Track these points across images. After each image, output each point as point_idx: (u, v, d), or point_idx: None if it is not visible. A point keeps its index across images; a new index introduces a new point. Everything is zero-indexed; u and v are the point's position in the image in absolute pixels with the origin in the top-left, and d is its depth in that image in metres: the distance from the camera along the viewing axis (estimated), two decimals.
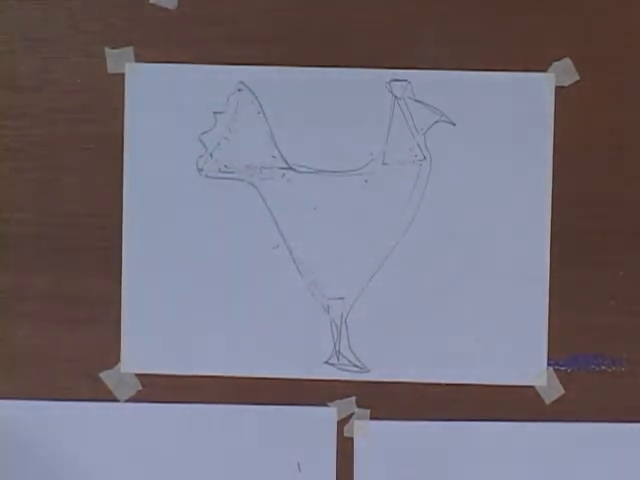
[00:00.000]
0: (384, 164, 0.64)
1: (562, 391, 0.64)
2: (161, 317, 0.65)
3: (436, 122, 0.64)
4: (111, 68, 0.64)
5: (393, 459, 0.65)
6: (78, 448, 0.65)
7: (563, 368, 0.64)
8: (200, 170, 0.65)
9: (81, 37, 0.64)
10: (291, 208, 0.65)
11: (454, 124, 0.64)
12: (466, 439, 0.64)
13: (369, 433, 0.65)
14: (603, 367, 0.64)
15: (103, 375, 0.65)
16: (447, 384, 0.65)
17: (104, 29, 0.64)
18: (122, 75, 0.64)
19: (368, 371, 0.65)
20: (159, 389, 0.65)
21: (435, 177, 0.64)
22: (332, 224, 0.65)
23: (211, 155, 0.65)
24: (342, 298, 0.65)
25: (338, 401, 0.65)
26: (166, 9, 0.64)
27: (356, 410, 0.65)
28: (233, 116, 0.65)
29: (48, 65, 0.65)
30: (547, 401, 0.65)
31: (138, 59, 0.64)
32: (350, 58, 0.64)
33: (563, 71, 0.64)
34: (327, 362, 0.65)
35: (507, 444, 0.64)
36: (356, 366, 0.65)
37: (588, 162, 0.64)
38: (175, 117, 0.65)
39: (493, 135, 0.64)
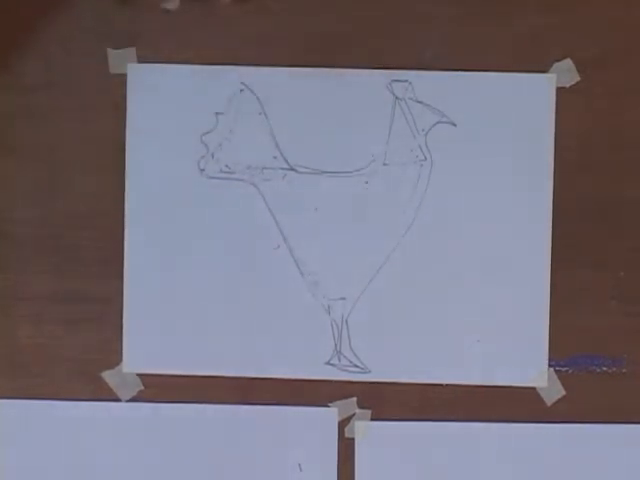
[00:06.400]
0: (385, 165, 0.64)
1: (563, 392, 0.64)
2: (163, 317, 0.65)
3: (437, 123, 0.64)
4: (113, 68, 0.65)
5: (394, 460, 0.65)
6: (80, 448, 0.65)
7: (564, 369, 0.64)
8: (202, 170, 0.65)
9: (83, 37, 0.65)
10: (292, 209, 0.65)
11: (455, 125, 0.64)
12: (467, 440, 0.64)
13: (370, 434, 0.65)
14: (604, 368, 0.64)
15: (105, 375, 0.65)
16: (448, 385, 0.65)
17: (106, 30, 0.65)
18: (124, 75, 0.65)
19: (369, 372, 0.65)
20: (161, 389, 0.65)
21: (436, 178, 0.64)
22: (333, 225, 0.65)
23: (212, 155, 0.65)
24: (343, 298, 0.65)
25: (339, 402, 0.65)
26: (168, 10, 0.65)
27: (357, 411, 0.65)
28: (234, 117, 0.65)
29: (50, 65, 0.65)
30: (548, 402, 0.64)
31: (140, 59, 0.65)
32: (351, 59, 0.64)
33: (564, 72, 0.64)
34: (328, 363, 0.65)
35: (508, 445, 0.64)
36: (357, 367, 0.65)
37: (589, 163, 0.64)
38: (177, 117, 0.65)
39: (494, 136, 0.64)
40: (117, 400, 0.65)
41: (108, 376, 0.65)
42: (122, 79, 0.65)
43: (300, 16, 0.64)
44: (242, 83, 0.65)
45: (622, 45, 0.64)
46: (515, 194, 0.64)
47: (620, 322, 0.64)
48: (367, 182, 0.64)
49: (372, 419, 0.65)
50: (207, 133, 0.65)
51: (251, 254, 0.65)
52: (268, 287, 0.65)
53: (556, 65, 0.64)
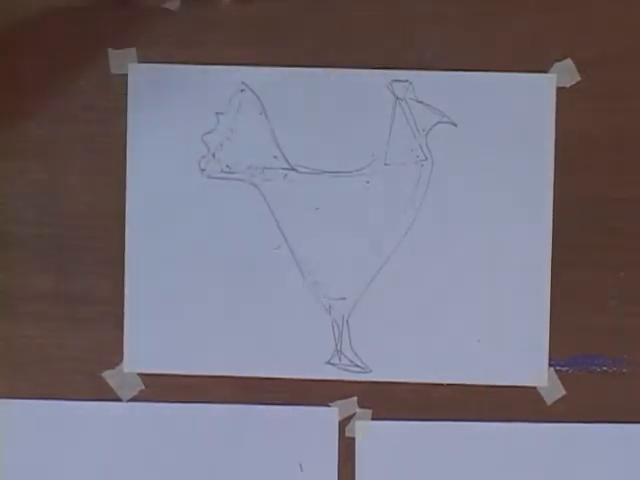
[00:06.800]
0: (386, 165, 0.64)
1: (563, 392, 0.64)
2: (163, 317, 0.65)
3: (437, 123, 0.64)
4: (114, 68, 0.65)
5: (394, 459, 0.65)
6: (80, 448, 0.65)
7: (564, 369, 0.64)
8: (202, 170, 0.65)
9: (84, 38, 0.65)
10: (293, 209, 0.65)
11: (455, 125, 0.64)
12: (467, 439, 0.64)
13: (371, 433, 0.65)
14: (604, 368, 0.64)
15: (106, 375, 0.65)
16: (448, 384, 0.65)
17: (106, 30, 0.65)
18: (125, 76, 0.65)
19: (370, 371, 0.65)
20: (161, 389, 0.65)
21: (436, 178, 0.64)
22: (334, 225, 0.65)
23: (213, 155, 0.65)
24: (344, 298, 0.65)
25: (340, 401, 0.65)
26: (169, 10, 0.65)
27: (358, 410, 0.65)
28: (235, 116, 0.65)
29: (51, 66, 0.65)
30: (548, 402, 0.65)
31: (141, 60, 0.65)
32: (352, 59, 0.64)
33: (564, 72, 0.64)
34: (329, 362, 0.65)
35: (508, 445, 0.64)
36: (358, 366, 0.65)
37: (589, 163, 0.64)
38: (178, 117, 0.65)
39: (494, 136, 0.64)
40: (118, 400, 0.65)
41: (109, 376, 0.65)
42: (123, 79, 0.65)
43: (300, 16, 0.64)
44: (242, 83, 0.65)
45: (622, 45, 0.64)
46: (515, 194, 0.64)
47: (620, 322, 0.64)
48: (368, 182, 0.64)
49: (373, 419, 0.65)
50: (208, 133, 0.65)
51: (251, 254, 0.65)
52: (268, 287, 0.65)
53: (556, 65, 0.64)
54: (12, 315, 0.66)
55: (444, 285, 0.65)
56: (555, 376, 0.64)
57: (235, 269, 0.65)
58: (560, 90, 0.64)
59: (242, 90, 0.65)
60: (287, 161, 0.65)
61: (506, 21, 0.64)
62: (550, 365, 0.64)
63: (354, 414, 0.65)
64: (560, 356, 0.64)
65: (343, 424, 0.65)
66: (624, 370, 0.64)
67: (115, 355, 0.65)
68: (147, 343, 0.65)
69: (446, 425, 0.65)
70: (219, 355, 0.65)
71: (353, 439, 0.65)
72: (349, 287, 0.65)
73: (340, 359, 0.65)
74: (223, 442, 0.65)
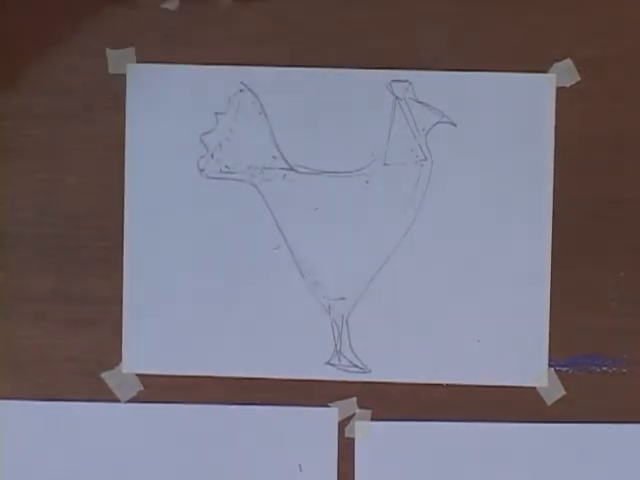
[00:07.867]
0: (385, 165, 0.64)
1: (563, 392, 0.64)
2: (162, 317, 0.65)
3: (437, 123, 0.64)
4: (112, 68, 0.65)
5: (394, 460, 0.65)
6: (79, 448, 0.65)
7: (564, 369, 0.64)
8: (201, 171, 0.65)
9: (82, 37, 0.65)
10: (292, 209, 0.65)
11: (455, 125, 0.64)
12: (467, 440, 0.64)
13: (370, 434, 0.65)
14: (604, 368, 0.64)
15: (104, 375, 0.65)
16: (448, 385, 0.65)
17: (106, 29, 0.65)
18: (123, 76, 0.65)
19: (369, 372, 0.65)
20: (160, 389, 0.65)
21: (436, 178, 0.64)
22: (333, 225, 0.65)
23: (212, 156, 0.65)
24: (343, 298, 0.65)
25: (339, 402, 0.65)
26: (167, 9, 0.65)
27: (357, 411, 0.65)
28: (234, 117, 0.65)
29: (49, 65, 0.65)
30: (548, 402, 0.64)
31: (139, 59, 0.65)
32: (351, 59, 0.64)
33: (564, 72, 0.64)
34: (328, 363, 0.65)
35: (508, 445, 0.64)
36: (357, 367, 0.65)
37: (589, 163, 0.64)
38: (176, 118, 0.65)
39: (494, 136, 0.64)
40: (116, 401, 0.65)
41: (108, 377, 0.65)
42: (121, 79, 0.65)
43: (300, 16, 0.64)
44: (242, 83, 0.65)
45: (622, 45, 0.64)
46: (515, 194, 0.64)
47: (621, 322, 0.64)
48: (367, 182, 0.64)
49: (372, 419, 0.65)
50: (207, 133, 0.65)
51: (251, 254, 0.65)
52: (268, 287, 0.65)
53: (556, 65, 0.64)
54: (10, 315, 0.65)
55: (444, 285, 0.64)
56: (555, 376, 0.64)
57: (234, 269, 0.65)
58: (560, 90, 0.64)
59: (241, 90, 0.65)
60: (286, 161, 0.65)
61: (506, 21, 0.64)
62: (550, 365, 0.64)
63: (353, 414, 0.65)
64: (560, 356, 0.64)
65: (342, 424, 0.65)
66: (624, 370, 0.64)
67: (114, 356, 0.65)
68: (146, 344, 0.65)
69: (446, 426, 0.64)
70: (218, 355, 0.65)
71: (352, 439, 0.65)
72: (349, 287, 0.65)
73: (340, 359, 0.65)
74: (222, 443, 0.65)
